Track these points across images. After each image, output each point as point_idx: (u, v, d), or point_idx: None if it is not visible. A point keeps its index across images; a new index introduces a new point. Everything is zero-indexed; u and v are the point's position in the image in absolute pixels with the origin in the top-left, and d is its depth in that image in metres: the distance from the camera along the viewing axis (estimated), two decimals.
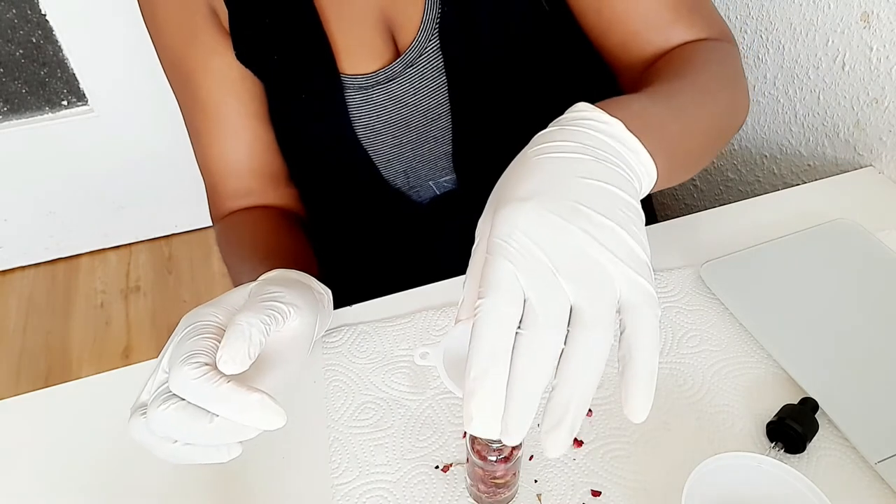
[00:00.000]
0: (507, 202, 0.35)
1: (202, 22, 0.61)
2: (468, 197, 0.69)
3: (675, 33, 0.57)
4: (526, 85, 0.64)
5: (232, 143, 0.66)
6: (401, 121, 0.64)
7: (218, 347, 0.40)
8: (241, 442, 0.40)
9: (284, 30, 0.61)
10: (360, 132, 0.64)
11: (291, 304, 0.44)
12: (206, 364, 0.38)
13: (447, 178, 0.69)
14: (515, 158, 0.39)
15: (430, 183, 0.69)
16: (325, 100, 0.62)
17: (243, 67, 0.63)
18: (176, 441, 0.39)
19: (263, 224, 0.66)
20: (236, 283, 0.63)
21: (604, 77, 0.67)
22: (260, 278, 0.49)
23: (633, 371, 0.32)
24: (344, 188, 0.70)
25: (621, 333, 0.33)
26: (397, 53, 0.62)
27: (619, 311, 0.33)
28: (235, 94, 0.64)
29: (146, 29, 0.64)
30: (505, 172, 0.39)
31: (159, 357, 0.42)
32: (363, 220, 0.73)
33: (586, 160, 0.37)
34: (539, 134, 0.40)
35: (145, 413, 0.40)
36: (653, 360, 0.32)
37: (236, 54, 0.62)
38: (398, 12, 0.60)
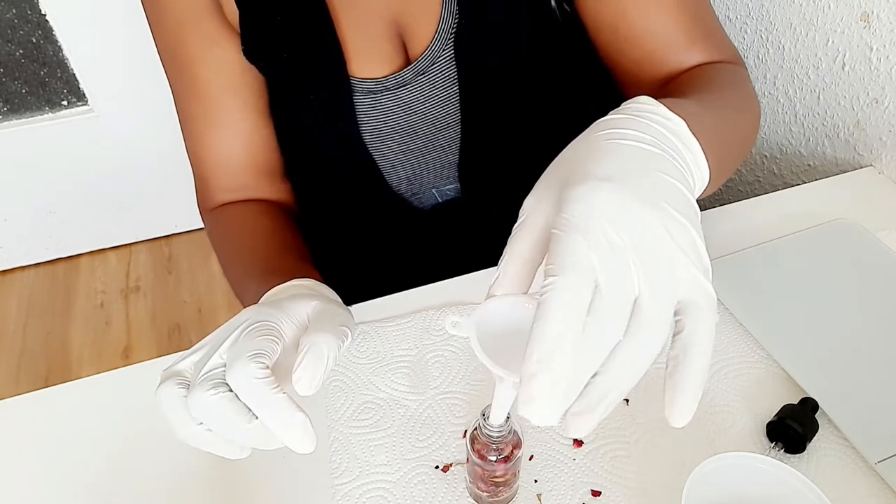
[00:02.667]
0: (583, 180, 0.33)
1: (204, 12, 0.60)
2: (470, 205, 0.69)
3: (691, 56, 0.58)
4: (536, 100, 0.64)
5: (229, 136, 0.65)
6: (408, 127, 0.64)
7: (279, 351, 0.40)
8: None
9: (296, 29, 0.60)
10: (367, 136, 0.64)
11: (350, 328, 0.44)
12: (268, 367, 0.38)
13: (450, 186, 0.69)
14: (578, 139, 0.38)
15: (433, 190, 0.69)
16: (334, 101, 0.62)
17: (245, 61, 0.62)
18: (201, 424, 0.39)
19: (264, 221, 0.65)
20: (236, 282, 0.62)
21: (614, 94, 0.68)
22: (296, 285, 0.50)
23: (684, 374, 0.31)
24: (346, 190, 0.70)
25: (677, 334, 0.32)
26: (407, 60, 0.62)
27: (677, 312, 0.32)
28: (235, 88, 0.64)
29: (145, 15, 0.64)
30: (568, 151, 0.38)
31: (214, 340, 0.41)
32: (363, 223, 0.73)
33: (659, 154, 0.36)
34: (603, 120, 0.39)
35: (181, 384, 0.39)
36: (705, 365, 0.31)
37: (243, 50, 0.61)
38: (411, 20, 0.60)
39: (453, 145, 0.66)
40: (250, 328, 0.41)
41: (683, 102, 0.43)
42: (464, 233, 0.71)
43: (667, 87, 0.58)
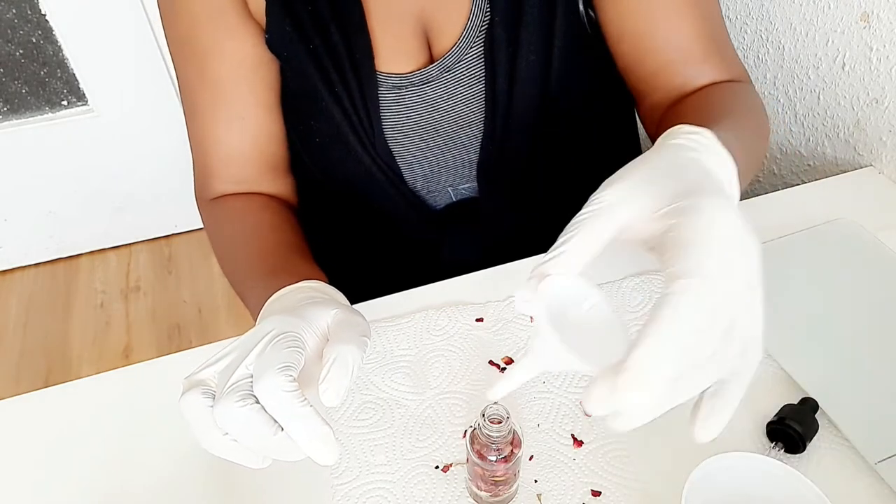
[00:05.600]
0: (704, 194, 0.35)
1: (226, 4, 0.60)
2: (485, 207, 0.69)
3: (705, 70, 0.60)
4: (560, 101, 0.64)
5: (238, 128, 0.65)
6: (430, 125, 0.64)
7: (303, 362, 0.40)
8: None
9: (326, 20, 0.60)
10: (388, 132, 0.64)
11: (368, 336, 0.45)
12: (296, 380, 0.39)
13: (467, 185, 0.69)
14: (659, 149, 0.41)
15: (448, 189, 0.69)
16: (358, 95, 0.62)
17: (260, 55, 0.62)
18: (227, 434, 0.39)
19: (266, 217, 0.65)
20: (235, 278, 0.62)
21: (628, 103, 0.69)
22: (304, 287, 0.50)
23: (726, 398, 0.34)
24: (361, 186, 0.69)
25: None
26: (430, 58, 0.62)
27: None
28: (248, 81, 0.63)
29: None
30: (653, 158, 0.40)
31: (239, 350, 0.41)
32: (375, 219, 0.73)
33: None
34: (672, 142, 0.41)
35: (206, 393, 0.40)
36: (742, 394, 0.34)
37: (267, 40, 0.61)
38: (439, 16, 0.60)
39: (474, 144, 0.66)
40: (276, 339, 0.41)
41: (728, 137, 0.45)
42: (472, 236, 0.71)
43: (684, 105, 0.59)
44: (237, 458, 0.40)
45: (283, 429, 0.38)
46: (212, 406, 0.39)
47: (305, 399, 0.38)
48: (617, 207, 0.36)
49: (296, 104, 0.66)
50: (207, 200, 0.68)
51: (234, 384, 0.39)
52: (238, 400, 0.38)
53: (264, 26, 0.61)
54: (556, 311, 0.34)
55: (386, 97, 0.63)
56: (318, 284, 0.51)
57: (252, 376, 0.39)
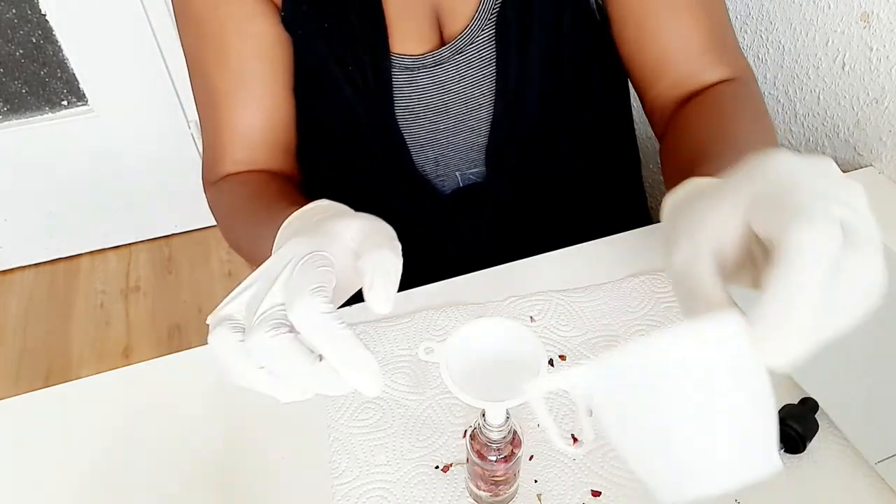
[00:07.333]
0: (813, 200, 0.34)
1: None
2: (491, 192, 0.69)
3: (706, 63, 0.61)
4: (569, 88, 0.64)
5: (253, 109, 0.64)
6: (441, 106, 0.65)
7: (335, 282, 0.37)
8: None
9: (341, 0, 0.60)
10: (399, 113, 0.64)
11: (397, 240, 0.41)
12: (332, 301, 0.35)
13: (475, 170, 0.69)
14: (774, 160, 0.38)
15: (457, 173, 0.69)
16: (371, 75, 0.62)
17: (277, 35, 0.62)
18: (262, 368, 0.36)
19: (274, 184, 0.64)
20: (247, 237, 0.59)
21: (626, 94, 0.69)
22: (317, 207, 0.46)
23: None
24: (370, 169, 0.69)
25: None
26: (442, 40, 0.63)
27: None
28: (266, 61, 0.63)
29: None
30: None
31: (263, 279, 0.38)
32: (380, 210, 0.72)
33: None
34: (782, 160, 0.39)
35: (235, 328, 0.36)
36: None
37: (283, 18, 0.61)
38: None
39: (483, 127, 0.66)
40: (303, 261, 0.37)
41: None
42: (480, 224, 0.71)
43: (689, 110, 0.59)
44: (276, 393, 0.37)
45: (321, 358, 0.35)
46: (242, 340, 0.36)
47: (344, 321, 0.35)
48: (703, 248, 0.37)
49: (307, 84, 0.66)
50: (213, 183, 0.68)
51: (263, 314, 0.35)
52: (270, 329, 0.34)
53: (279, 4, 0.61)
54: (462, 354, 0.39)
55: (398, 78, 0.63)
56: (327, 203, 0.47)
57: (283, 305, 0.36)
